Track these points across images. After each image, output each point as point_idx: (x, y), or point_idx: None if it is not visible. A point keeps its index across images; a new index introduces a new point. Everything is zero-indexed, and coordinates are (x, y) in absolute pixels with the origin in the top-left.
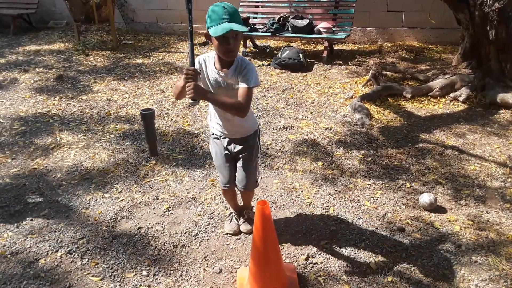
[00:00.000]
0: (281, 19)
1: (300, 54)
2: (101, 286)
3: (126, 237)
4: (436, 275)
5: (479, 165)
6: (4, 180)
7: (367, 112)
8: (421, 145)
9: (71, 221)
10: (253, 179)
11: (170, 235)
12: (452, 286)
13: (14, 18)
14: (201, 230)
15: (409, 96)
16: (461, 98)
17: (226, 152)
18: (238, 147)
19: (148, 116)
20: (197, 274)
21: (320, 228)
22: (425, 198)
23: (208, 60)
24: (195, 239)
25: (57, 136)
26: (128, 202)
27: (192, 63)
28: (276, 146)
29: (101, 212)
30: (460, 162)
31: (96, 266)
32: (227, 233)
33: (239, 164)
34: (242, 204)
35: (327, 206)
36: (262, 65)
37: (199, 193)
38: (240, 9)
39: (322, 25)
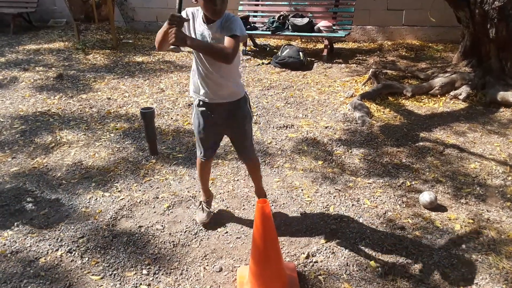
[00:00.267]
0: (281, 17)
1: (300, 53)
2: (101, 285)
3: (126, 236)
4: (437, 274)
5: (479, 164)
6: (4, 179)
7: (367, 110)
8: (421, 143)
9: (71, 220)
10: (251, 146)
11: (170, 234)
12: (452, 284)
13: (14, 17)
14: (201, 229)
15: (409, 94)
16: (461, 97)
17: (212, 122)
18: (230, 118)
19: (148, 115)
20: (197, 273)
21: (320, 227)
22: (425, 196)
23: (197, 14)
24: (195, 238)
25: (57, 135)
26: (128, 201)
27: (179, 11)
28: (276, 144)
29: (101, 211)
30: (460, 160)
31: (96, 265)
32: (197, 223)
33: (236, 135)
34: (254, 189)
35: (327, 205)
36: (262, 63)
37: (200, 192)
38: (240, 8)
39: (322, 24)
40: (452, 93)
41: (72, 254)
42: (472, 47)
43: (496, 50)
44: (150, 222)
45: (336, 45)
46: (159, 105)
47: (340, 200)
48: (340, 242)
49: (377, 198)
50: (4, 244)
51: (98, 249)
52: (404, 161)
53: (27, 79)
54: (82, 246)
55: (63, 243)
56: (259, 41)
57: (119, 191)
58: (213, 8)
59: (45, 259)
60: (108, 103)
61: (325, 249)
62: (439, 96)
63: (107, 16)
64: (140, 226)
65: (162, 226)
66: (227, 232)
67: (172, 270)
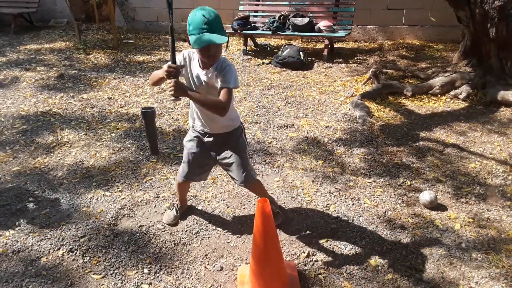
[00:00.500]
0: (282, 17)
1: (301, 53)
2: (103, 284)
3: (127, 235)
4: (437, 273)
5: (479, 163)
6: (6, 179)
7: (367, 110)
8: (421, 143)
9: (72, 219)
10: (249, 172)
11: (171, 233)
12: (452, 283)
13: (15, 17)
14: (202, 228)
15: (409, 94)
16: (461, 96)
17: (204, 149)
18: (224, 148)
19: (149, 114)
20: (198, 272)
21: (320, 226)
22: (426, 196)
23: (193, 56)
24: (196, 237)
25: (58, 134)
26: (129, 201)
27: (173, 60)
28: (276, 144)
29: (102, 210)
30: (460, 160)
31: (97, 264)
32: (163, 223)
33: (231, 162)
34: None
35: (328, 204)
36: (263, 63)
37: (200, 191)
38: (241, 8)
39: (322, 24)
40: (452, 92)
41: (74, 253)
42: (472, 47)
43: (496, 50)
44: (151, 221)
45: (336, 45)
46: (160, 104)
47: (341, 199)
48: (341, 241)
49: (377, 197)
50: (6, 244)
51: (100, 248)
52: (404, 160)
53: (28, 79)
54: (83, 245)
55: (65, 242)
56: (259, 41)
57: (120, 190)
58: (208, 54)
59: (46, 258)
60: (109, 103)
61: (326, 248)
62: (439, 95)
63: (108, 16)
64: (141, 226)
65: (163, 225)
66: (227, 231)
67: (173, 269)
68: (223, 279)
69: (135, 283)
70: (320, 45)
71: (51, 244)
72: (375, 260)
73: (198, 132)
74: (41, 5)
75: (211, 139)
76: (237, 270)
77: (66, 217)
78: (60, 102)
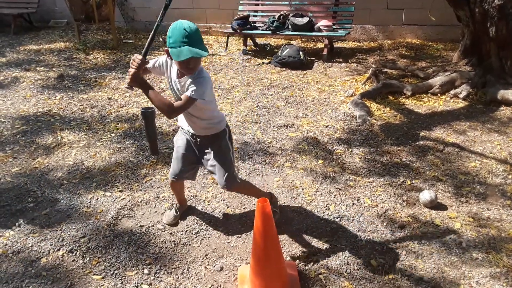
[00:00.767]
0: (281, 17)
1: (300, 52)
2: (103, 285)
3: (128, 235)
4: (437, 272)
5: (479, 162)
6: (6, 179)
7: (367, 109)
8: (421, 142)
9: (72, 220)
10: (231, 176)
11: (171, 233)
12: (453, 283)
13: (15, 18)
14: (202, 228)
15: (409, 93)
16: (461, 95)
17: (191, 147)
18: (208, 149)
19: (148, 114)
20: (198, 272)
21: (320, 226)
22: (426, 195)
23: (172, 62)
24: (196, 237)
25: (58, 135)
26: (129, 201)
27: (145, 54)
28: (276, 144)
29: (102, 210)
30: (460, 159)
31: (97, 265)
32: (163, 223)
33: (214, 165)
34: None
35: (328, 204)
36: (263, 63)
37: (200, 191)
38: (240, 7)
39: (322, 23)
40: (452, 92)
41: (74, 254)
42: (472, 46)
43: (496, 49)
44: (151, 221)
45: (336, 44)
46: None
47: (341, 199)
48: (341, 240)
49: (377, 197)
50: (6, 244)
51: (100, 248)
52: (404, 160)
53: (28, 80)
54: (83, 245)
55: (65, 243)
56: (259, 40)
57: (120, 190)
58: (187, 67)
59: (46, 259)
60: (109, 103)
61: (326, 248)
62: (439, 95)
63: (108, 16)
64: (141, 226)
65: (163, 225)
66: (228, 232)
67: (173, 270)
68: (223, 279)
69: (135, 283)
70: (320, 45)
71: (51, 245)
72: (375, 260)
73: (184, 131)
74: (41, 6)
75: (196, 139)
76: (237, 270)
77: (66, 217)
78: (60, 102)
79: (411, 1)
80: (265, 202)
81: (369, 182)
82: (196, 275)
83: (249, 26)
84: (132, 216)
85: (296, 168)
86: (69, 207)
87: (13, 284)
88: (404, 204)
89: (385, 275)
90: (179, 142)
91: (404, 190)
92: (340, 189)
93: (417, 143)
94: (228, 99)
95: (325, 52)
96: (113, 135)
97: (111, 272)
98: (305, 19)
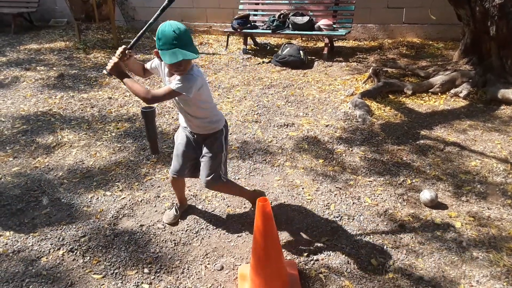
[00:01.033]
0: (282, 16)
1: (301, 51)
2: (103, 284)
3: (128, 235)
4: (437, 272)
5: (480, 161)
6: (6, 179)
7: (367, 108)
8: (422, 141)
9: (72, 219)
10: (215, 176)
11: (171, 232)
12: (453, 282)
13: (15, 17)
14: (202, 228)
15: (409, 92)
16: (462, 94)
17: (191, 144)
18: (203, 144)
19: (149, 114)
20: (199, 272)
21: (321, 225)
22: (426, 194)
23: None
24: (196, 236)
25: (58, 134)
26: (129, 200)
27: (131, 47)
28: (277, 143)
29: (102, 210)
30: (461, 158)
31: (97, 264)
32: (163, 223)
33: (202, 161)
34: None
35: (328, 203)
36: (263, 62)
37: (200, 190)
38: (241, 7)
39: (322, 22)
40: (452, 91)
41: (74, 253)
42: (472, 45)
43: (496, 48)
44: (151, 221)
45: (336, 44)
46: (160, 104)
47: (341, 198)
48: (341, 240)
49: (377, 196)
50: (6, 244)
51: (100, 248)
52: (404, 159)
53: (29, 79)
54: (83, 245)
55: (65, 242)
56: (259, 40)
57: (120, 190)
58: (177, 69)
59: (47, 258)
60: (109, 103)
61: (326, 247)
62: (439, 94)
63: (108, 15)
64: (141, 225)
65: (163, 225)
66: (228, 231)
67: (173, 269)
68: (223, 279)
69: (135, 283)
70: (320, 44)
71: (51, 244)
72: (375, 259)
73: (184, 128)
74: (41, 5)
75: (194, 136)
76: (237, 269)
77: (66, 217)
78: (60, 102)
79: (411, 0)
80: (265, 201)
81: (369, 181)
82: (197, 274)
83: (249, 25)
84: (132, 216)
85: (296, 167)
86: (70, 206)
87: (14, 283)
88: (405, 203)
89: (385, 274)
90: (179, 139)
91: (405, 189)
92: (340, 188)
93: (417, 142)
94: (229, 98)
95: (325, 51)
96: (113, 134)
97: (112, 272)
98: (306, 18)
